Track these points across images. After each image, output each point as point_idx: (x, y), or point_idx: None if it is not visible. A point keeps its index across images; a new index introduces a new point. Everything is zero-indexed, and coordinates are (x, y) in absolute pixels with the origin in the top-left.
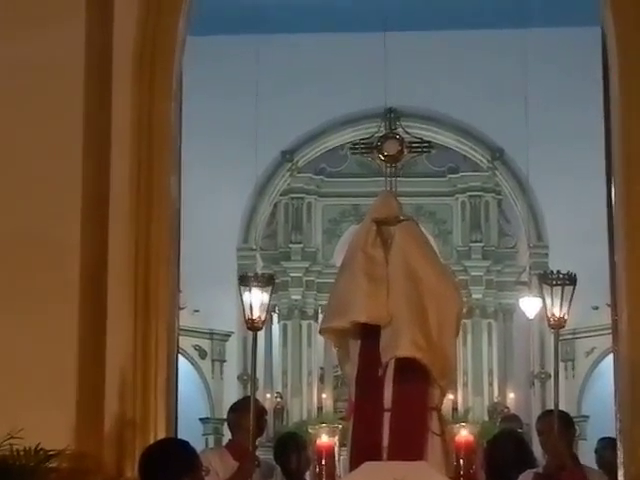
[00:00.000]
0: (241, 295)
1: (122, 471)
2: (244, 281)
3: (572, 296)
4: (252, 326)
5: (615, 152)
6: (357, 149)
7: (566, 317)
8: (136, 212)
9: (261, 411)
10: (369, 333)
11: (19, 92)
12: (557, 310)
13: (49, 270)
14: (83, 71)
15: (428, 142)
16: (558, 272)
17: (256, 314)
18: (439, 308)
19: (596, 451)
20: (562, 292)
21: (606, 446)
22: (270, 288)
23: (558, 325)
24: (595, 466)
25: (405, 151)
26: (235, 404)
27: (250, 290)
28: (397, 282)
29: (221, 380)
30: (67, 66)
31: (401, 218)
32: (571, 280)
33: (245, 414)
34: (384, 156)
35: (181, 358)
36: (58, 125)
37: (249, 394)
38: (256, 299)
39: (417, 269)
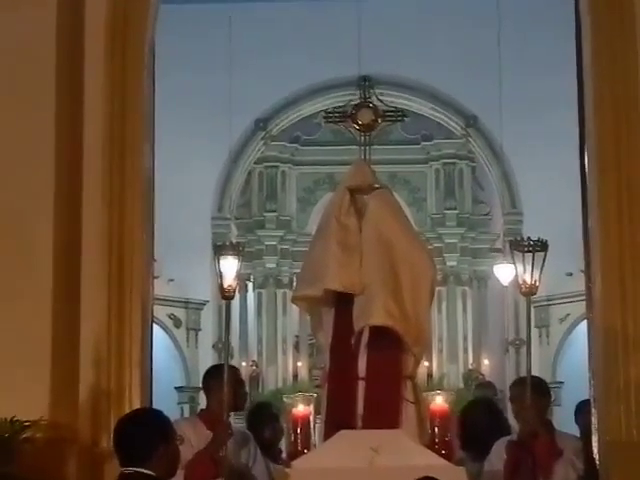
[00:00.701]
0: (216, 264)
1: (97, 441)
2: (216, 250)
3: (544, 262)
4: (224, 295)
5: (588, 118)
6: (331, 118)
7: (537, 284)
8: (109, 181)
9: (239, 385)
10: (342, 302)
11: None
12: (528, 277)
13: (22, 241)
14: (55, 42)
15: (402, 110)
16: (529, 239)
17: (228, 283)
18: (412, 276)
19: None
20: (533, 258)
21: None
22: (239, 257)
23: (529, 292)
24: (575, 430)
25: (379, 120)
26: (211, 372)
27: (219, 260)
28: (370, 250)
29: (196, 349)
30: (39, 38)
31: (375, 186)
32: (542, 246)
33: (223, 387)
34: (358, 125)
35: (156, 327)
36: (30, 98)
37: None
38: (227, 268)
39: (390, 237)
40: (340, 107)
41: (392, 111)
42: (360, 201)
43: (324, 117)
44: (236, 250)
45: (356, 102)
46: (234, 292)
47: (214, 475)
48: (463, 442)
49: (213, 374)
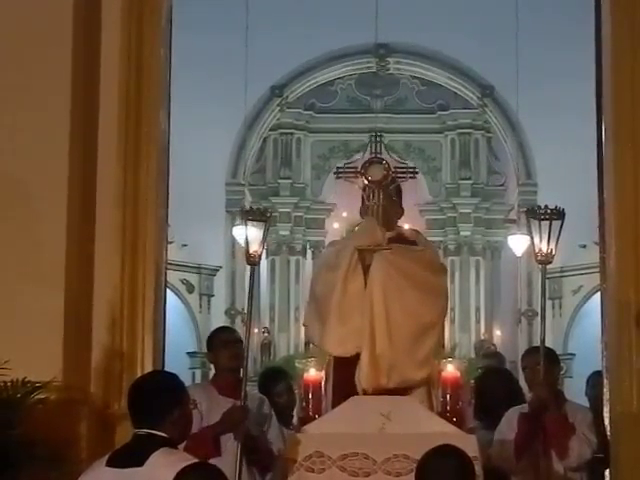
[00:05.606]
0: (245, 229)
1: (109, 403)
2: (243, 215)
3: (560, 231)
4: (249, 260)
5: (605, 90)
6: (342, 174)
7: (554, 252)
8: (124, 146)
9: (239, 344)
10: None
11: (5, 30)
12: (545, 245)
13: (37, 202)
14: (72, 6)
15: (413, 167)
16: (546, 207)
17: (254, 248)
18: (418, 328)
19: (593, 386)
20: (550, 227)
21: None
22: (265, 223)
23: (545, 260)
24: (586, 402)
25: (390, 177)
26: (210, 341)
27: (246, 224)
28: (372, 309)
29: (209, 314)
30: (56, 1)
31: (384, 246)
32: (559, 215)
33: (219, 352)
34: (369, 181)
35: (169, 292)
36: (46, 61)
37: (234, 327)
38: (253, 234)
39: (395, 298)
40: (351, 163)
41: (403, 167)
42: (368, 257)
43: (335, 173)
44: (264, 216)
45: (367, 158)
46: (259, 258)
47: (213, 455)
48: (478, 411)
49: (212, 342)
